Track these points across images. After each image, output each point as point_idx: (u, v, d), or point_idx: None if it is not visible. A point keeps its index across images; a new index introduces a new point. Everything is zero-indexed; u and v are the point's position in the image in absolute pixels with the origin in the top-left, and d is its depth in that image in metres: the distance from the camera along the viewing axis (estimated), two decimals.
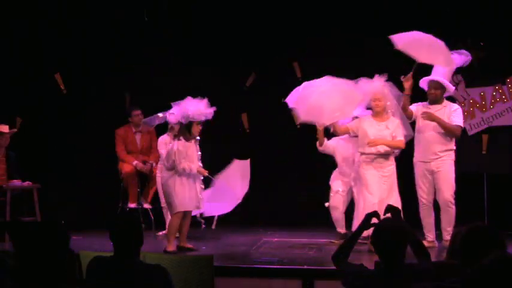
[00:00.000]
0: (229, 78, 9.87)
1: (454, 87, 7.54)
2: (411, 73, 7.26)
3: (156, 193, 9.20)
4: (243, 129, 9.99)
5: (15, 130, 8.68)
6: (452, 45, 9.11)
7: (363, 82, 7.31)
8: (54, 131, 9.45)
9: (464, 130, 9.07)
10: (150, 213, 9.11)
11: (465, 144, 9.07)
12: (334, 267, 6.48)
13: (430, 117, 7.34)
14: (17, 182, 8.38)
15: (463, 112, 9.08)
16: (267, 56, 9.88)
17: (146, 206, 9.05)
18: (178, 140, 7.11)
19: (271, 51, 9.83)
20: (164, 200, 7.55)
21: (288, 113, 9.78)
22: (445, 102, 7.55)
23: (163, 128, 8.54)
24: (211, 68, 9.99)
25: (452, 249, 4.11)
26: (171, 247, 7.07)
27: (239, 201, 7.65)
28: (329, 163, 8.16)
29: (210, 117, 7.21)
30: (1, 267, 3.44)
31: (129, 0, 9.68)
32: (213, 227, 7.83)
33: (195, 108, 7.12)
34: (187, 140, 7.12)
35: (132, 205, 8.96)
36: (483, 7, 9.04)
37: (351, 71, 9.44)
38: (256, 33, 9.85)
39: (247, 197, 10.16)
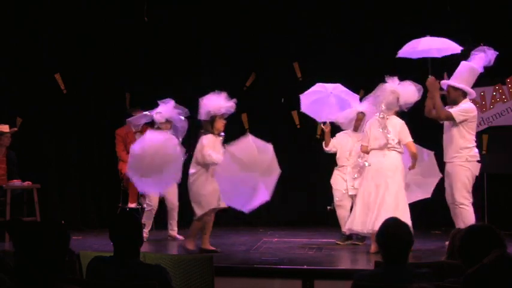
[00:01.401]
0: (229, 78, 9.86)
1: (471, 90, 7.34)
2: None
3: None
4: (243, 129, 9.98)
5: (16, 129, 8.68)
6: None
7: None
8: (53, 131, 9.44)
9: None
10: None
11: None
12: (334, 267, 6.56)
13: (430, 85, 7.23)
14: (17, 182, 8.38)
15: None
16: (267, 56, 9.88)
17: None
18: (205, 134, 7.01)
19: (271, 51, 9.83)
20: (191, 199, 7.13)
21: (288, 113, 9.83)
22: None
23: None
24: (211, 68, 9.99)
25: (452, 249, 4.12)
26: (192, 246, 7.01)
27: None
28: (330, 163, 8.16)
29: (232, 110, 7.09)
30: (1, 267, 3.44)
31: (129, 1, 9.68)
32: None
33: (215, 102, 7.04)
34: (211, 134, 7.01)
35: (132, 205, 8.96)
36: (483, 7, 9.04)
37: (351, 71, 9.48)
38: (256, 33, 9.85)
39: None
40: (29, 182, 8.49)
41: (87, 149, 9.70)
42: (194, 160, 7.04)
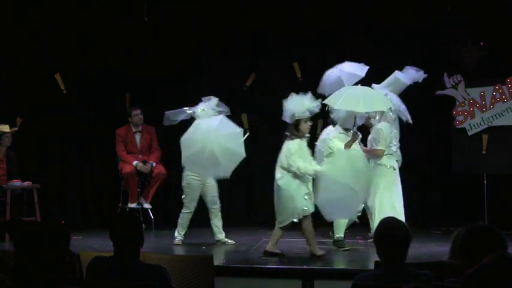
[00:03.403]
0: (229, 78, 9.86)
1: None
2: None
3: (157, 193, 9.21)
4: (243, 129, 9.97)
5: (16, 129, 8.69)
6: (452, 45, 9.17)
7: None
8: (54, 131, 9.44)
9: (464, 130, 9.12)
10: (150, 213, 9.11)
11: (465, 144, 9.09)
12: (334, 267, 6.55)
13: None
14: (17, 182, 8.37)
15: (464, 112, 9.14)
16: (267, 55, 9.87)
17: (146, 206, 9.06)
18: (291, 139, 6.80)
19: (272, 51, 9.82)
20: (278, 205, 6.99)
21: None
22: None
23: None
24: (211, 68, 9.99)
25: (454, 249, 4.11)
26: (319, 251, 6.84)
27: None
28: None
29: (316, 110, 6.93)
30: (1, 267, 3.44)
31: (129, 1, 9.67)
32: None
33: (299, 104, 6.84)
34: (297, 138, 6.81)
35: (132, 205, 8.96)
36: (483, 7, 9.04)
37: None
38: (256, 33, 9.84)
39: (247, 197, 10.18)
40: (29, 182, 8.48)
41: (87, 149, 9.70)
42: (280, 165, 6.85)
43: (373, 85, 7.48)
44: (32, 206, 8.39)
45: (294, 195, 6.76)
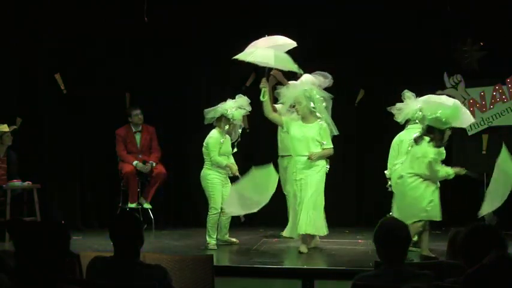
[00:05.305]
0: (229, 78, 9.85)
1: None
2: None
3: (157, 193, 9.20)
4: (243, 129, 9.97)
5: (15, 127, 8.69)
6: (452, 45, 9.16)
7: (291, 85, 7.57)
8: (54, 131, 9.43)
9: (464, 130, 9.11)
10: (150, 213, 9.11)
11: (465, 144, 9.09)
12: (334, 267, 6.55)
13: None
14: (17, 182, 8.37)
15: None
16: None
17: (146, 206, 9.06)
18: (435, 147, 6.67)
19: None
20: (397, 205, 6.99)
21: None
22: None
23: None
24: (211, 68, 9.98)
25: (453, 249, 4.11)
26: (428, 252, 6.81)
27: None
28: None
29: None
30: (1, 267, 3.44)
31: (129, 1, 9.67)
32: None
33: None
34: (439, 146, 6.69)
35: (132, 205, 8.96)
36: (483, 7, 9.04)
37: (350, 71, 9.47)
38: (256, 33, 9.83)
39: None
40: (29, 182, 8.48)
41: (87, 149, 9.69)
42: (409, 165, 6.79)
43: (291, 82, 7.62)
44: (32, 206, 8.39)
45: (420, 197, 6.74)
